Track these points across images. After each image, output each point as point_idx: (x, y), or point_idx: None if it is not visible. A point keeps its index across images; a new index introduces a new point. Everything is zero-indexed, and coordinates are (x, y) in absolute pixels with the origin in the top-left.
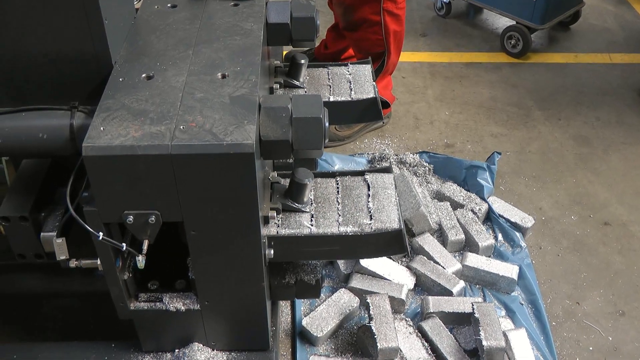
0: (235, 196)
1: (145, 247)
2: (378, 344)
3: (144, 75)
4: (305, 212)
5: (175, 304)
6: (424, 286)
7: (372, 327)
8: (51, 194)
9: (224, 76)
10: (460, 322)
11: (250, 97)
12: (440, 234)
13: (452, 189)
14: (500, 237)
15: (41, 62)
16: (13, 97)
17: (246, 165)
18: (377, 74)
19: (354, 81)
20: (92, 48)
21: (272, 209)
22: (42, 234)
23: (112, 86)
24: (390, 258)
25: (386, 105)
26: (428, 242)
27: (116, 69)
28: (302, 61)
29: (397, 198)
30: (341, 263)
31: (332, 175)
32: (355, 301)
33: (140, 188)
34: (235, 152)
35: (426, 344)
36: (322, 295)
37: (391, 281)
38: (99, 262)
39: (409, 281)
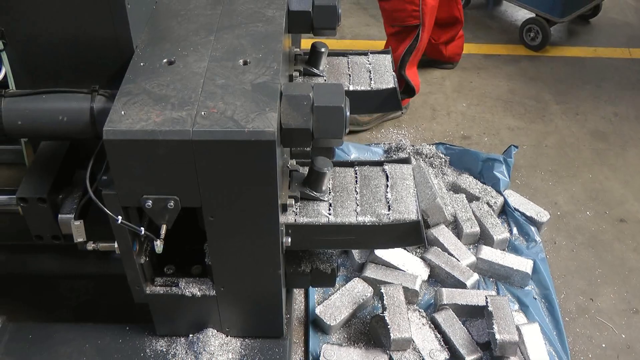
0: (255, 183)
1: (163, 231)
2: (391, 334)
3: (165, 60)
4: (324, 200)
5: (191, 289)
6: (437, 278)
7: (386, 317)
8: (69, 177)
9: (245, 63)
10: (474, 314)
11: (272, 84)
12: (455, 226)
13: (468, 181)
14: (515, 230)
15: (62, 45)
16: (34, 79)
17: (267, 153)
18: (410, 52)
19: (374, 71)
20: (114, 32)
21: (290, 196)
22: (60, 215)
23: (133, 70)
24: (405, 249)
25: (412, 92)
26: (443, 233)
27: (137, 54)
28: (323, 49)
29: (416, 189)
30: (355, 252)
31: (351, 164)
32: (369, 291)
33: (160, 173)
34: (257, 140)
35: (439, 336)
36: (336, 284)
37: (405, 272)
38: (116, 245)
39: (423, 272)
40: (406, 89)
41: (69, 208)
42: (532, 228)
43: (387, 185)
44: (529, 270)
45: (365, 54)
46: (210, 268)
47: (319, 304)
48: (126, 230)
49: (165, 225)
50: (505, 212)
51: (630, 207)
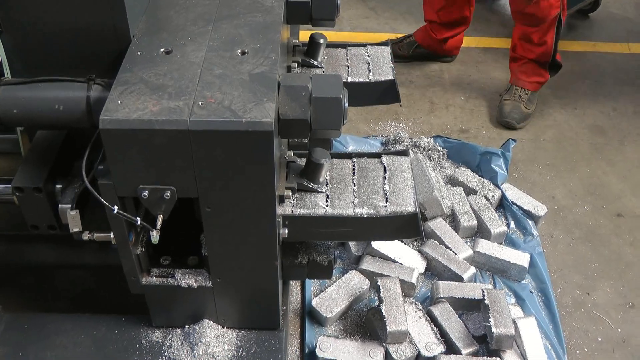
0: (252, 174)
1: (159, 222)
2: (387, 327)
3: (162, 49)
4: (321, 192)
5: (187, 280)
6: (434, 271)
7: (382, 310)
8: (66, 166)
9: (243, 53)
10: (470, 308)
11: (270, 74)
12: (453, 219)
13: (466, 175)
14: (512, 224)
15: (59, 33)
16: (30, 67)
17: (264, 143)
18: (559, 38)
19: (373, 63)
20: (111, 20)
21: (287, 188)
22: (60, 205)
23: (130, 60)
24: (402, 241)
25: (560, 67)
26: (440, 226)
27: (134, 43)
28: (321, 41)
29: (414, 181)
30: (352, 244)
31: (349, 156)
32: (365, 283)
33: (157, 163)
34: (254, 130)
35: (435, 329)
36: (332, 276)
37: (402, 264)
38: (112, 235)
39: (420, 265)
40: (554, 66)
41: (69, 198)
42: (530, 222)
43: (385, 177)
44: (526, 264)
45: (364, 45)
46: (206, 259)
47: (315, 296)
48: (122, 221)
49: (161, 216)
50: (503, 205)
51: (628, 202)
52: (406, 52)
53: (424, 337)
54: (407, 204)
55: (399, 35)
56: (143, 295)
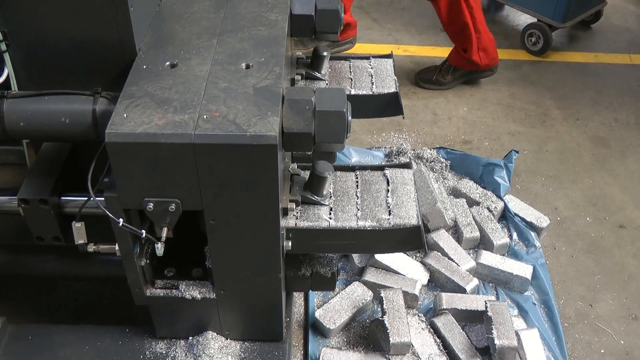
0: (256, 187)
1: (164, 234)
2: (390, 339)
3: (167, 63)
4: (324, 205)
5: (191, 292)
6: (437, 282)
7: (385, 322)
8: (70, 178)
9: (248, 66)
10: (473, 319)
11: (274, 88)
12: (455, 231)
13: (469, 186)
14: (515, 236)
15: (65, 47)
16: (36, 81)
17: (269, 157)
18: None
19: (376, 75)
20: (117, 34)
21: (291, 200)
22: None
23: (136, 73)
24: (405, 253)
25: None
26: (443, 238)
27: (140, 56)
28: (325, 53)
29: (417, 194)
30: (355, 256)
31: (352, 169)
32: (368, 295)
33: (162, 176)
34: (258, 144)
35: (438, 340)
36: (335, 287)
37: (405, 276)
38: (117, 247)
39: (423, 277)
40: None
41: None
42: (532, 233)
43: (388, 190)
44: (529, 276)
45: (367, 58)
46: (210, 271)
47: (318, 308)
48: (127, 233)
49: (166, 228)
50: (506, 217)
51: (630, 213)
52: (448, 78)
53: (427, 349)
54: (410, 217)
55: (403, 46)
56: (147, 307)
